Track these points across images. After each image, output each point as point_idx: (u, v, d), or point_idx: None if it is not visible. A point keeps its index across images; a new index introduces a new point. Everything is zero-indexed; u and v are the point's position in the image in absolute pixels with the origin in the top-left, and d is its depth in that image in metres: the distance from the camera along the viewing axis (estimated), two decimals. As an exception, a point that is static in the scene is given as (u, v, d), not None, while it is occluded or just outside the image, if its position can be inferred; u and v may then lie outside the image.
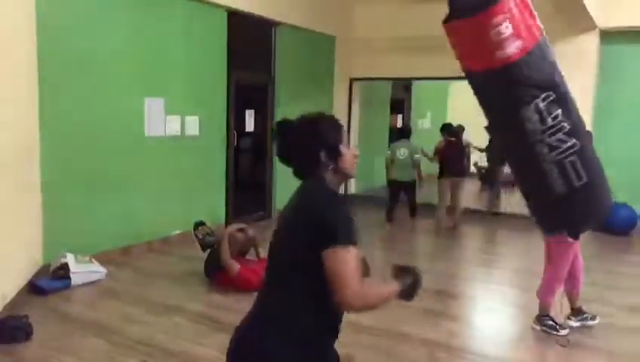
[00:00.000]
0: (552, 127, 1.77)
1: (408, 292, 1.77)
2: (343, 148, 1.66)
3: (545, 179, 1.80)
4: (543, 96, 1.76)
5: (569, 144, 1.77)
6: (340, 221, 1.52)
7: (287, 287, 1.59)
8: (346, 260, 1.47)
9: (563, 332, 3.79)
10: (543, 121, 1.75)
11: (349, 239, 1.50)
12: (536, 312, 3.95)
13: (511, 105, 1.71)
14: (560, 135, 1.78)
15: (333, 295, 1.48)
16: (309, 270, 1.52)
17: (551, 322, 3.85)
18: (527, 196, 1.89)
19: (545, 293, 3.89)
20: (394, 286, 1.66)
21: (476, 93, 1.80)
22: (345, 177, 1.71)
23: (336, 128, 1.67)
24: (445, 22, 1.78)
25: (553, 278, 3.86)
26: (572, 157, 1.80)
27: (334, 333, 1.67)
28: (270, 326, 1.57)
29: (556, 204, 1.81)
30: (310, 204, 1.58)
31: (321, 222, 1.51)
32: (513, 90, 1.68)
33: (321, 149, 1.61)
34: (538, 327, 3.89)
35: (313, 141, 1.62)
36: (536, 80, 1.74)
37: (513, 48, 1.69)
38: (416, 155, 7.16)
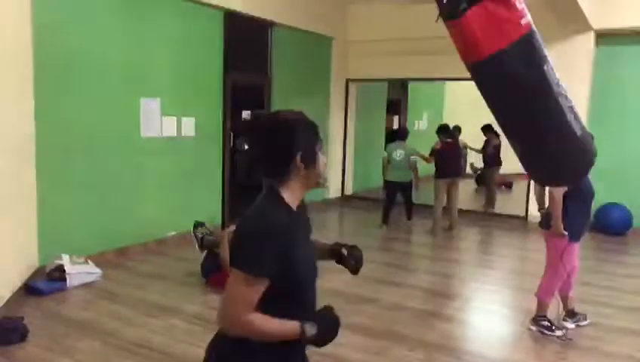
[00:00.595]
0: (558, 79, 1.96)
1: (323, 337, 1.53)
2: (319, 152, 1.57)
3: (568, 126, 1.96)
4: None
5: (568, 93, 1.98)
6: (246, 244, 1.43)
7: None
8: (236, 283, 1.43)
9: (558, 332, 3.81)
10: (554, 73, 1.94)
11: (246, 267, 1.41)
12: (533, 313, 3.96)
13: (539, 65, 1.92)
14: (563, 85, 1.97)
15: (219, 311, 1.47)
16: None
17: (546, 323, 3.87)
18: (548, 152, 2.00)
19: (544, 293, 3.91)
20: (292, 330, 1.47)
21: (504, 69, 1.92)
22: (314, 185, 1.59)
23: (314, 131, 1.58)
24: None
25: (553, 279, 3.87)
26: (573, 104, 1.99)
27: (290, 344, 1.53)
28: (224, 338, 1.55)
29: (576, 146, 1.97)
30: (245, 216, 1.50)
31: (237, 237, 1.46)
32: (538, 52, 1.92)
33: (298, 151, 1.49)
34: (534, 328, 3.91)
35: (291, 141, 1.49)
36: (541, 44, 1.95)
37: (527, 19, 1.87)
38: (413, 157, 7.18)
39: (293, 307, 1.54)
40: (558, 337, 3.79)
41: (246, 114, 7.10)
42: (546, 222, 3.87)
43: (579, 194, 3.71)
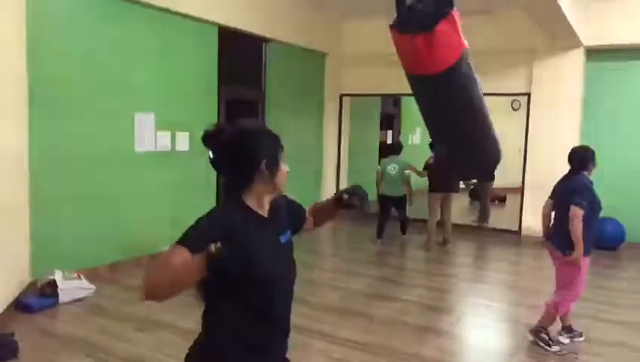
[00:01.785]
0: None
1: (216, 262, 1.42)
2: (281, 162, 1.67)
3: (493, 128, 2.21)
4: None
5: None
6: (190, 227, 1.55)
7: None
8: (164, 253, 1.50)
9: (555, 348, 3.79)
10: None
11: (178, 240, 1.51)
12: (529, 325, 3.95)
13: (474, 78, 2.12)
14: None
15: None
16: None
17: (546, 336, 3.85)
18: (478, 153, 2.14)
19: (556, 307, 3.85)
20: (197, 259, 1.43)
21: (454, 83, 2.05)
22: (275, 191, 1.69)
23: (277, 142, 1.68)
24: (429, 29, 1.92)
25: (570, 295, 3.82)
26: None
27: (257, 351, 1.64)
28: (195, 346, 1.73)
29: (498, 148, 2.14)
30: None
31: None
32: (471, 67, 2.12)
33: (262, 160, 1.60)
34: (531, 338, 3.89)
35: (256, 149, 1.61)
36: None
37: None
38: (407, 171, 7.21)
39: (255, 310, 1.62)
40: (554, 352, 3.76)
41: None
42: (559, 241, 3.79)
43: (593, 207, 3.69)
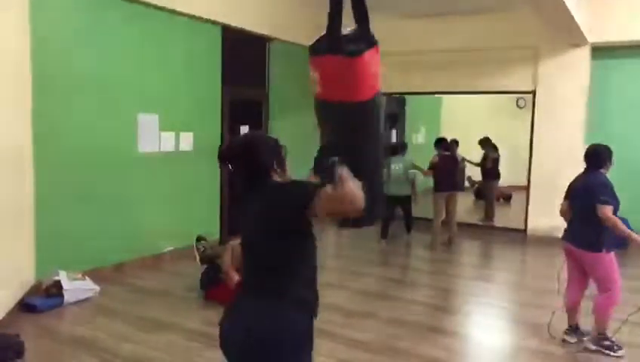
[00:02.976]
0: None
1: None
2: (284, 157, 2.02)
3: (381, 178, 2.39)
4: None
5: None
6: (304, 182, 1.91)
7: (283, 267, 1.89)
8: (348, 188, 1.77)
9: (620, 352, 3.66)
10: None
11: (318, 185, 1.80)
12: (535, 324, 3.92)
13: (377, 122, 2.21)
14: None
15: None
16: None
17: (608, 342, 3.72)
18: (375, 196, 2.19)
19: (604, 311, 3.74)
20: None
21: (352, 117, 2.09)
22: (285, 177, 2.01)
23: (278, 144, 2.03)
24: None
25: (614, 296, 3.70)
26: None
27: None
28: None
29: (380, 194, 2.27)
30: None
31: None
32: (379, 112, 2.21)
33: (275, 159, 1.96)
34: (594, 347, 3.74)
35: (274, 152, 1.98)
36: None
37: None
38: (411, 171, 7.18)
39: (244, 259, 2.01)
40: (618, 357, 3.65)
41: (244, 129, 7.10)
42: (582, 241, 3.72)
43: (615, 205, 3.63)
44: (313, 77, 2.13)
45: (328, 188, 1.67)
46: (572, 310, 3.96)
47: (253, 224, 1.92)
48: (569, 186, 4.01)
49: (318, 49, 2.09)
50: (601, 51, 7.29)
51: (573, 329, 3.95)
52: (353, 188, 1.65)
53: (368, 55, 2.01)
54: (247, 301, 1.89)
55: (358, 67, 2.01)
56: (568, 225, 3.96)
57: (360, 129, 2.12)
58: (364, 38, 2.09)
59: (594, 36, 6.96)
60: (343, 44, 2.05)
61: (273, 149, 1.99)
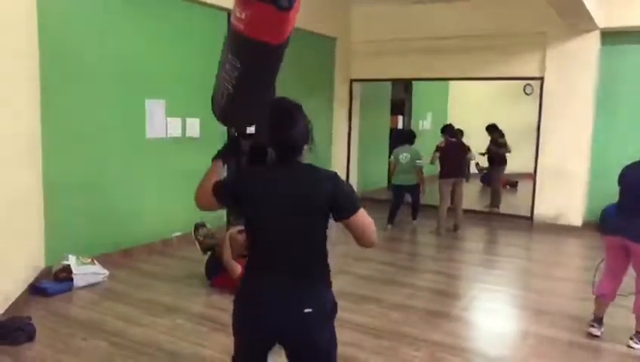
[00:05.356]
0: None
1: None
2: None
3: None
4: None
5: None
6: (354, 193, 2.03)
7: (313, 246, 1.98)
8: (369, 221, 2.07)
9: None
10: None
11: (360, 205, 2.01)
12: (538, 311, 3.93)
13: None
14: None
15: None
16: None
17: None
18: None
19: None
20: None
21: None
22: None
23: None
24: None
25: None
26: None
27: None
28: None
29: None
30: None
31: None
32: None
33: (309, 134, 2.02)
34: (637, 346, 3.62)
35: (308, 127, 2.02)
36: None
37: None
38: (418, 161, 7.18)
39: (253, 241, 2.01)
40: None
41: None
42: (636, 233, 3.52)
43: None
44: (238, 13, 2.17)
45: (365, 213, 1.93)
46: (605, 304, 3.81)
47: (287, 204, 1.88)
48: (621, 175, 3.74)
49: None
50: (611, 37, 7.20)
51: (600, 321, 3.82)
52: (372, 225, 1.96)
53: (297, 5, 2.07)
54: (278, 281, 1.91)
55: (287, 20, 2.08)
56: (617, 216, 3.71)
57: (270, 68, 2.27)
58: None
59: (604, 21, 6.88)
60: None
61: (308, 123, 1.99)
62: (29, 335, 3.53)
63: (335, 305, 2.02)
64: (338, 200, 1.89)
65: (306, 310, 1.88)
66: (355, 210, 1.91)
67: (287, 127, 1.92)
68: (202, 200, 2.13)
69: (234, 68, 2.38)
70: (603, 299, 3.81)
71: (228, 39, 2.42)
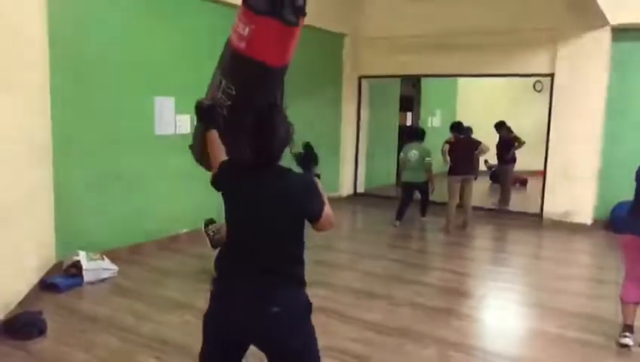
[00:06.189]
0: None
1: None
2: None
3: None
4: None
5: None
6: (319, 192, 2.04)
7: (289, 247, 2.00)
8: (329, 211, 2.11)
9: None
10: None
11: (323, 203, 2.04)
12: (547, 309, 3.91)
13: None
14: None
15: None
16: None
17: None
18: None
19: None
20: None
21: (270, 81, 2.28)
22: None
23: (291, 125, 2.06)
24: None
25: None
26: None
27: None
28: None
29: None
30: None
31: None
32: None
33: (289, 141, 2.02)
34: None
35: (289, 134, 2.02)
36: None
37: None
38: (427, 158, 7.14)
39: (228, 240, 2.07)
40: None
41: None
42: None
43: None
44: (241, 29, 2.12)
45: (328, 214, 1.99)
46: (634, 310, 3.61)
47: (260, 207, 1.93)
48: (638, 172, 3.55)
49: (256, 5, 2.07)
50: (622, 33, 7.11)
51: (631, 329, 3.59)
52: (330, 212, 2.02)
53: (300, 25, 2.07)
54: (246, 281, 1.94)
55: (292, 37, 2.05)
56: (633, 214, 3.57)
57: (267, 91, 2.24)
58: (299, 8, 2.11)
59: (615, 17, 6.79)
60: (284, 11, 2.04)
61: (289, 127, 2.00)
62: (41, 330, 3.57)
63: (308, 305, 2.00)
64: (307, 208, 1.95)
65: (273, 310, 1.87)
66: (319, 217, 1.98)
67: (267, 138, 1.94)
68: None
69: (227, 96, 2.33)
70: (631, 311, 3.60)
71: (222, 63, 2.36)
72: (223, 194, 2.05)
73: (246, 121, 1.98)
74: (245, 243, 1.98)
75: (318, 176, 2.16)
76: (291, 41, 2.07)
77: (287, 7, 2.03)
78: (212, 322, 2.00)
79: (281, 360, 1.99)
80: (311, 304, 2.02)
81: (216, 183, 2.10)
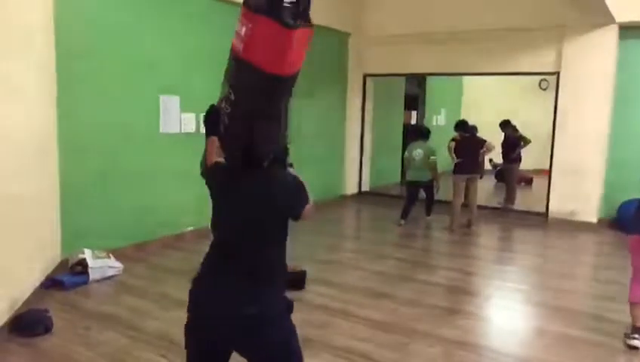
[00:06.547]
0: None
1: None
2: None
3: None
4: None
5: None
6: (303, 189, 2.07)
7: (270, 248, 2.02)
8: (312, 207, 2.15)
9: None
10: None
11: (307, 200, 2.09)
12: (553, 309, 3.89)
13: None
14: None
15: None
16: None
17: None
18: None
19: None
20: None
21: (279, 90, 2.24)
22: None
23: (284, 135, 2.24)
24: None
25: None
26: None
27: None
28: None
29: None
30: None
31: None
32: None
33: (275, 148, 2.02)
34: None
35: (275, 140, 2.04)
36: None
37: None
38: (432, 157, 7.12)
39: (215, 234, 2.08)
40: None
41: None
42: None
43: None
44: (240, 29, 2.10)
45: (308, 211, 2.02)
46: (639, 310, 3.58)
47: (247, 208, 1.95)
48: None
49: (255, 4, 2.05)
50: (629, 31, 7.07)
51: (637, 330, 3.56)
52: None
53: (300, 32, 2.00)
54: (224, 282, 1.96)
55: (289, 41, 1.99)
56: None
57: (264, 98, 2.22)
58: (302, 15, 2.10)
59: (622, 15, 6.76)
60: (283, 12, 2.02)
61: (277, 130, 2.06)
62: (47, 327, 3.59)
63: (288, 306, 2.00)
64: (291, 210, 2.00)
65: (251, 311, 1.87)
66: (299, 215, 2.02)
67: (252, 139, 1.95)
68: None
69: (229, 103, 2.32)
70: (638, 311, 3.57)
71: (227, 68, 2.34)
72: (210, 194, 2.08)
73: (236, 127, 2.00)
74: (228, 243, 2.01)
75: (292, 165, 2.17)
76: (289, 45, 2.01)
77: (287, 10, 2.00)
78: (192, 332, 2.02)
79: (261, 359, 1.97)
80: (292, 303, 2.02)
81: (207, 176, 2.14)
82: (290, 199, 1.99)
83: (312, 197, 2.07)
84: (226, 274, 1.96)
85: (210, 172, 2.14)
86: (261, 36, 2.02)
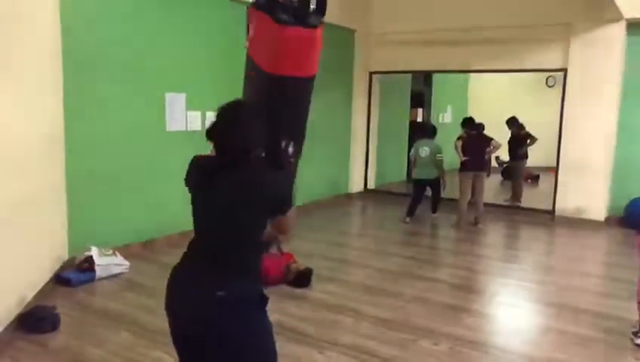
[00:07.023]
0: None
1: None
2: None
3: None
4: None
5: None
6: (287, 190, 2.01)
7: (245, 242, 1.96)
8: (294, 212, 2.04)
9: None
10: None
11: (291, 202, 2.01)
12: (559, 307, 3.87)
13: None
14: None
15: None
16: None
17: None
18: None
19: None
20: None
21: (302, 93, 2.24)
22: None
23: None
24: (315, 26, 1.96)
25: None
26: None
27: None
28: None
29: None
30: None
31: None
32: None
33: (262, 143, 1.95)
34: None
35: (262, 135, 1.96)
36: None
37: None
38: (439, 155, 7.10)
39: (194, 228, 2.07)
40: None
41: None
42: None
43: None
44: (250, 28, 2.08)
45: (290, 216, 1.95)
46: None
47: (227, 200, 1.90)
48: None
49: (258, 1, 2.04)
50: (637, 27, 7.02)
51: None
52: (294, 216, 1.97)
53: (295, 31, 1.94)
54: (195, 268, 2.00)
55: (283, 40, 1.95)
56: None
57: (262, 98, 2.16)
58: (305, 16, 2.07)
59: (630, 11, 6.70)
60: (278, 8, 1.97)
61: (261, 127, 1.93)
62: (54, 325, 3.61)
63: (262, 298, 1.94)
64: (273, 197, 1.91)
65: (218, 293, 1.83)
66: (286, 208, 1.94)
67: (230, 136, 1.91)
68: None
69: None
70: None
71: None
72: (189, 189, 2.08)
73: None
74: (203, 235, 2.03)
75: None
76: (283, 44, 1.97)
77: (285, 7, 1.97)
78: (167, 311, 2.07)
79: (229, 354, 1.91)
80: (266, 298, 1.95)
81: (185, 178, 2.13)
82: (279, 188, 1.92)
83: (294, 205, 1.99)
84: (200, 263, 1.97)
85: (190, 163, 2.12)
86: (258, 32, 2.02)
